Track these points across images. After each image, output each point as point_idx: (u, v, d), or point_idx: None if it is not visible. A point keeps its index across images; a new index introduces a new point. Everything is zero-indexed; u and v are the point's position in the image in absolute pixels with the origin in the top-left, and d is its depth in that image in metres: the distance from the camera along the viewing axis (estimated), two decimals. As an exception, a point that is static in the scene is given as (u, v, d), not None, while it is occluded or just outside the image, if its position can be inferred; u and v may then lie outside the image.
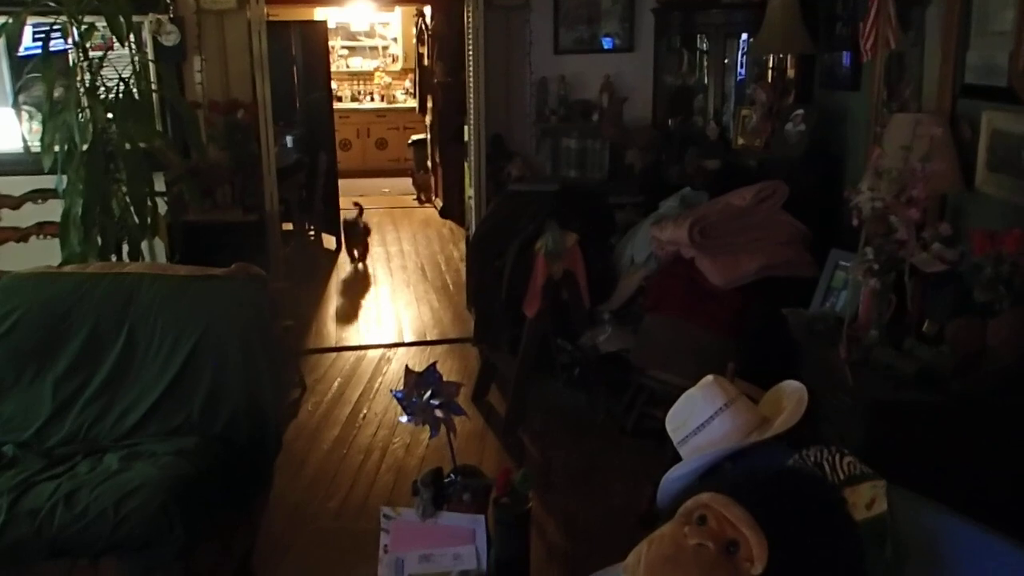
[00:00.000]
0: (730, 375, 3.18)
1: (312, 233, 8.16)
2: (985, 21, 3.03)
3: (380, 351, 5.40)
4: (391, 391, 2.25)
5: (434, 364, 2.03)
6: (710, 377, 1.80)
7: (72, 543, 2.37)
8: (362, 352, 5.38)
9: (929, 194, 2.64)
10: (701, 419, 1.74)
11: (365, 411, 4.47)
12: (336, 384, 4.83)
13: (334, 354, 5.34)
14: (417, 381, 1.99)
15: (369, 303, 6.49)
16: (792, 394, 1.79)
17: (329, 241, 8.10)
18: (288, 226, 7.35)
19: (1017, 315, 2.57)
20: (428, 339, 5.63)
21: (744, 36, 5.20)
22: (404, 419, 2.01)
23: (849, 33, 4.18)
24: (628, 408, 4.11)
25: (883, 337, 2.82)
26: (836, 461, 1.59)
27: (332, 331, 5.82)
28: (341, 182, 8.44)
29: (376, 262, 7.56)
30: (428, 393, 1.99)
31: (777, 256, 3.73)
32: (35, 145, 3.67)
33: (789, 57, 4.77)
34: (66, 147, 3.54)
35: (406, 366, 2.09)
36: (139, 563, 2.42)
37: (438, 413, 1.99)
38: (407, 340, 5.62)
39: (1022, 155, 2.81)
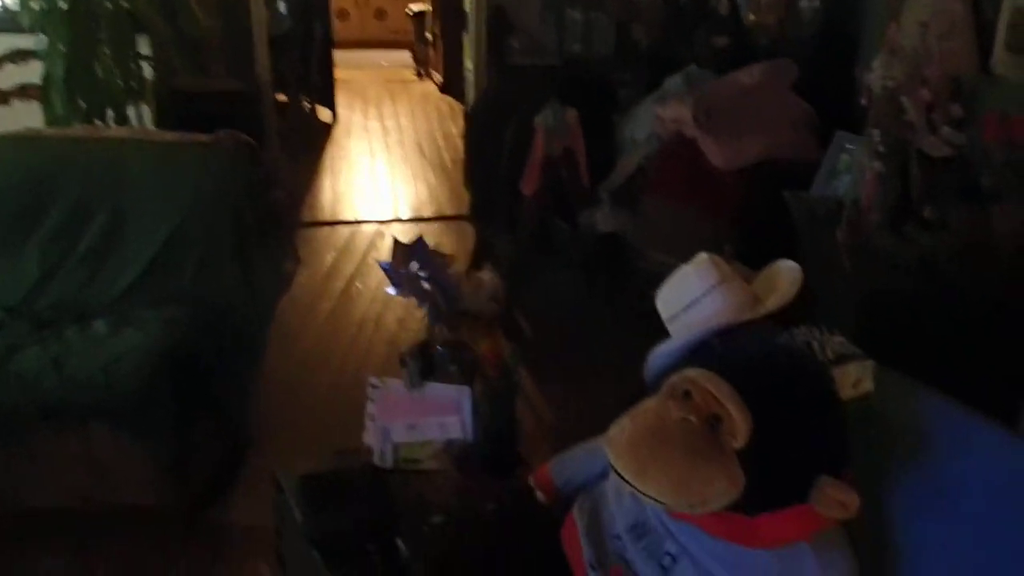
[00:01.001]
0: (727, 257, 3.14)
1: (308, 106, 7.98)
2: None
3: (375, 226, 5.35)
4: (378, 262, 2.22)
5: (421, 237, 1.99)
6: (704, 255, 1.76)
7: (62, 406, 2.38)
8: (356, 227, 5.33)
9: (943, 74, 2.52)
10: (692, 296, 1.70)
11: (359, 285, 4.46)
12: (330, 258, 4.80)
13: (328, 228, 5.29)
14: (405, 252, 1.95)
15: (365, 179, 6.39)
16: (786, 273, 1.74)
17: (325, 114, 7.92)
18: (283, 98, 7.17)
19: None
20: (424, 216, 5.57)
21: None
22: (391, 290, 1.98)
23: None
24: (624, 289, 4.08)
25: (885, 222, 2.76)
26: (825, 341, 1.56)
27: (326, 205, 5.75)
28: (339, 53, 8.18)
29: (373, 137, 7.42)
30: (416, 265, 1.95)
31: (781, 138, 3.63)
32: (12, 2, 3.51)
33: (808, -72, 4.51)
34: (46, 5, 3.38)
35: (394, 238, 2.04)
36: (130, 429, 2.44)
37: (425, 285, 1.96)
38: (403, 217, 5.56)
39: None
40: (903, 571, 1.36)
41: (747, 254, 3.07)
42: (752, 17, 4.60)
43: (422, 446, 1.98)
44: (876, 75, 2.53)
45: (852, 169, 3.20)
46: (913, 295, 2.53)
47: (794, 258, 3.13)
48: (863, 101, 2.66)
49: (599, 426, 1.63)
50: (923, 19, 2.52)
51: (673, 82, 4.21)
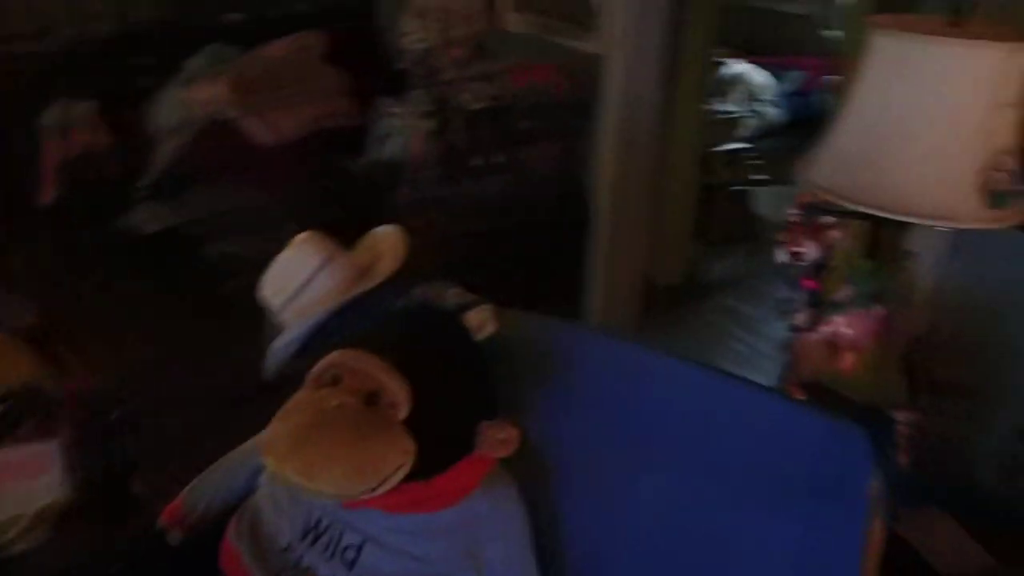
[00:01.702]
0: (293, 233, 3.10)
1: None
2: None
3: None
4: None
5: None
6: (304, 234, 1.69)
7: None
8: None
9: (469, 33, 2.71)
10: (301, 279, 1.63)
11: None
12: None
13: None
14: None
15: None
16: (387, 238, 1.76)
17: None
18: None
19: (553, 141, 2.83)
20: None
21: None
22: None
23: None
24: (190, 286, 3.81)
25: (440, 176, 2.92)
26: (443, 293, 1.60)
27: None
28: None
29: None
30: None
31: (325, 107, 3.63)
32: None
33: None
34: None
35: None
36: None
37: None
38: None
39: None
40: (552, 474, 1.48)
41: (315, 225, 3.08)
42: (262, -10, 4.50)
43: (10, 523, 1.67)
44: (412, 38, 2.63)
45: (399, 132, 3.33)
46: (481, 232, 2.74)
47: (364, 220, 3.19)
48: (403, 65, 2.75)
49: (222, 440, 1.51)
50: (442, -18, 2.68)
51: (197, 63, 3.97)
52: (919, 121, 1.27)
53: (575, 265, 3.04)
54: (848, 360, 1.56)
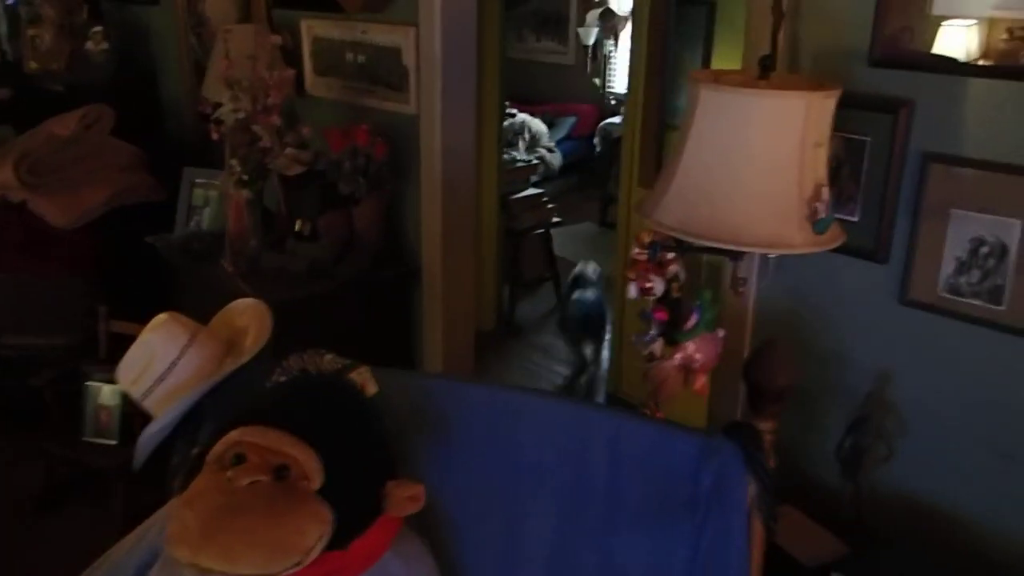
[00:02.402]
0: (103, 318, 2.92)
1: None
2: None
3: None
4: None
5: None
6: (163, 316, 1.62)
7: None
8: None
9: (281, 100, 2.71)
10: (167, 362, 1.57)
11: None
12: None
13: None
14: None
15: None
16: (248, 310, 1.72)
17: None
18: None
19: (375, 201, 2.86)
20: None
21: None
22: None
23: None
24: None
25: (264, 244, 2.87)
26: (319, 361, 1.59)
27: None
28: None
29: None
30: None
31: (121, 183, 3.46)
32: None
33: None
34: None
35: None
36: None
37: None
38: None
39: (344, 58, 3.05)
40: (446, 525, 1.52)
41: (120, 306, 2.92)
42: (34, 65, 4.23)
43: None
44: (227, 109, 2.58)
45: (210, 202, 3.24)
46: (312, 298, 2.72)
47: (176, 295, 3.09)
48: (215, 135, 2.69)
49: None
50: (250, 53, 2.66)
51: (-33, 144, 3.66)
52: (746, 163, 1.44)
53: (407, 319, 3.07)
54: (701, 382, 1.71)
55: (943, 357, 1.68)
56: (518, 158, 5.83)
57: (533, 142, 6.87)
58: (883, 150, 1.67)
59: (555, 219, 5.10)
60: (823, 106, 1.44)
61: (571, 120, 7.50)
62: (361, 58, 2.99)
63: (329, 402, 1.32)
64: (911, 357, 1.73)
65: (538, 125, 7.00)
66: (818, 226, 1.44)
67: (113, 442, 2.77)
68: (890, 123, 1.64)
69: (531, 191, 5.18)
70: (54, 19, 4.08)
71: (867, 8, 1.64)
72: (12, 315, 3.32)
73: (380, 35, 2.89)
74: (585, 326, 3.99)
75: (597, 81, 7.66)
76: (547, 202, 5.12)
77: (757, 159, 1.44)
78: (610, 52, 7.55)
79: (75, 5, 4.19)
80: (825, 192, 1.45)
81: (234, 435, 1.23)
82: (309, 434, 1.23)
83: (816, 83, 1.52)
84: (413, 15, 2.74)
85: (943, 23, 1.58)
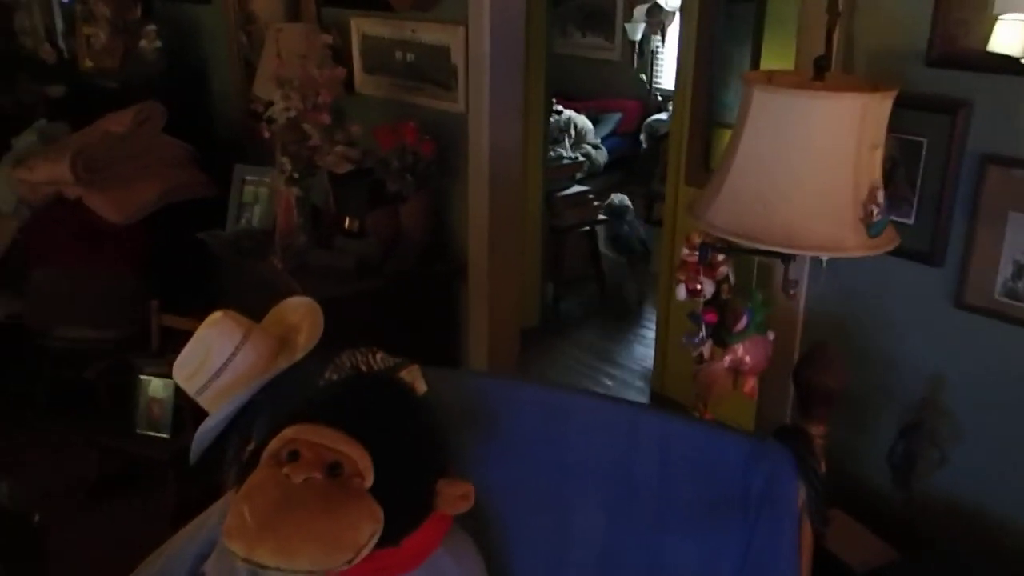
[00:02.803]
0: (156, 312, 2.98)
1: None
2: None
3: None
4: None
5: None
6: (218, 313, 1.65)
7: None
8: None
9: (331, 98, 2.74)
10: (222, 358, 1.59)
11: None
12: None
13: None
14: None
15: None
16: (300, 308, 1.75)
17: None
18: None
19: (422, 198, 2.88)
20: None
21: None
22: None
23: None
24: (37, 379, 3.56)
25: (313, 241, 2.91)
26: (371, 359, 1.61)
27: None
28: None
29: None
30: None
31: (173, 180, 3.53)
32: None
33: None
34: None
35: None
36: None
37: None
38: None
39: (393, 56, 3.08)
40: (495, 522, 1.53)
41: (170, 300, 2.98)
42: (89, 63, 4.33)
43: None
44: (278, 108, 2.62)
45: (260, 199, 3.29)
46: (362, 294, 2.75)
47: (225, 291, 3.14)
48: (266, 134, 2.74)
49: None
50: (301, 52, 2.69)
51: (26, 141, 3.76)
52: (800, 165, 1.43)
53: (452, 316, 3.10)
54: (751, 384, 1.70)
55: (999, 362, 1.65)
56: (564, 155, 5.82)
57: (579, 138, 6.85)
58: (940, 151, 1.64)
59: (600, 216, 5.10)
60: (880, 108, 1.43)
61: (616, 116, 7.46)
62: (410, 56, 3.01)
63: (381, 401, 1.34)
64: (966, 362, 1.70)
65: (583, 121, 6.98)
66: (872, 229, 1.42)
67: (165, 435, 2.83)
68: (947, 124, 1.61)
69: (576, 188, 5.19)
70: (108, 18, 4.16)
71: (925, 6, 1.62)
72: (66, 308, 3.40)
73: (429, 34, 2.91)
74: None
75: (643, 77, 7.60)
76: (592, 199, 5.12)
77: (812, 161, 1.43)
78: (657, 48, 7.48)
79: (129, 3, 4.27)
80: (880, 194, 1.43)
81: (289, 432, 1.26)
82: (361, 432, 1.24)
83: (872, 84, 1.50)
84: (462, 14, 2.75)
85: (1000, 18, 1.54)
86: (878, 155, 1.45)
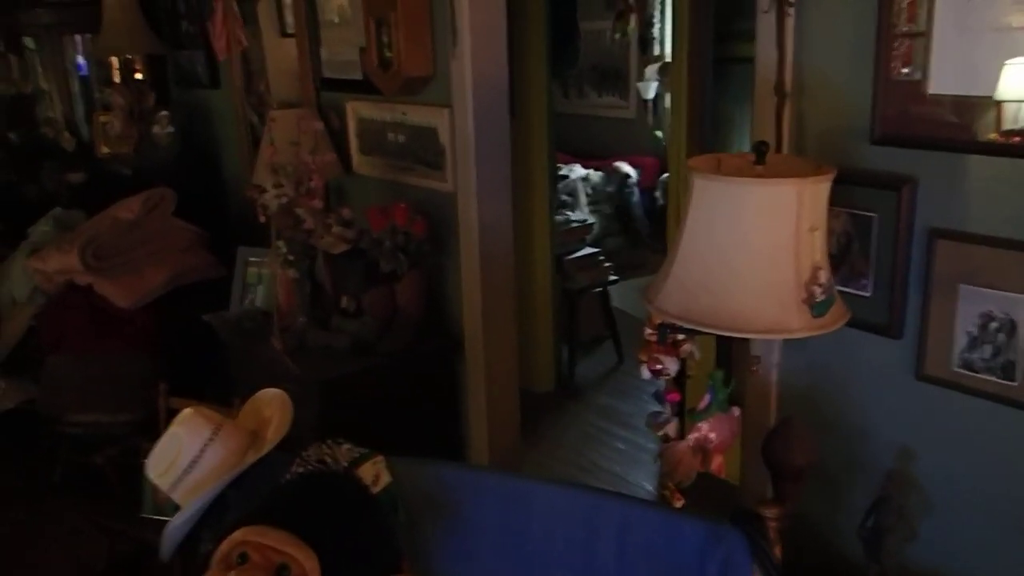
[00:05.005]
0: (163, 395, 3.05)
1: None
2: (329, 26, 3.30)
3: None
4: None
5: None
6: (189, 410, 1.71)
7: None
8: None
9: (323, 182, 2.82)
10: (191, 454, 1.65)
11: None
12: None
13: None
14: None
15: None
16: (273, 401, 1.80)
17: None
18: None
19: (416, 276, 2.94)
20: None
21: (81, 36, 4.83)
22: None
23: (198, 32, 4.19)
24: (51, 464, 3.64)
25: (311, 321, 2.97)
26: (335, 452, 1.65)
27: None
28: None
29: None
30: None
31: (182, 264, 3.63)
32: None
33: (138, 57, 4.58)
34: None
35: None
36: None
37: None
38: None
39: (386, 137, 3.17)
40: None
41: (181, 383, 3.05)
42: (105, 149, 4.50)
43: None
44: (271, 194, 2.71)
45: (262, 280, 3.37)
46: (358, 374, 2.80)
47: (228, 373, 3.19)
48: (262, 219, 2.82)
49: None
50: (293, 139, 2.79)
51: (41, 230, 3.91)
52: (739, 253, 1.45)
53: (451, 390, 3.12)
54: (718, 461, 1.70)
55: (962, 433, 1.64)
56: (572, 218, 5.88)
57: (590, 198, 6.93)
58: (890, 226, 1.66)
59: (612, 277, 5.12)
60: (816, 191, 1.45)
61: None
62: (401, 138, 3.10)
63: (333, 502, 1.37)
64: (931, 433, 1.69)
65: (595, 178, 7.07)
66: (816, 309, 1.44)
67: (171, 519, 2.86)
68: (894, 200, 1.64)
69: (587, 251, 5.21)
70: (124, 106, 4.33)
71: (865, 87, 1.65)
72: (79, 393, 3.49)
73: (418, 116, 3.00)
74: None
75: (659, 134, 7.69)
76: (603, 261, 5.14)
77: (752, 247, 1.45)
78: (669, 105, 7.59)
79: (145, 91, 4.45)
80: (822, 275, 1.45)
81: (238, 535, 1.29)
82: (310, 534, 1.28)
83: (815, 165, 1.52)
84: (447, 97, 2.83)
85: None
86: (819, 237, 1.47)
